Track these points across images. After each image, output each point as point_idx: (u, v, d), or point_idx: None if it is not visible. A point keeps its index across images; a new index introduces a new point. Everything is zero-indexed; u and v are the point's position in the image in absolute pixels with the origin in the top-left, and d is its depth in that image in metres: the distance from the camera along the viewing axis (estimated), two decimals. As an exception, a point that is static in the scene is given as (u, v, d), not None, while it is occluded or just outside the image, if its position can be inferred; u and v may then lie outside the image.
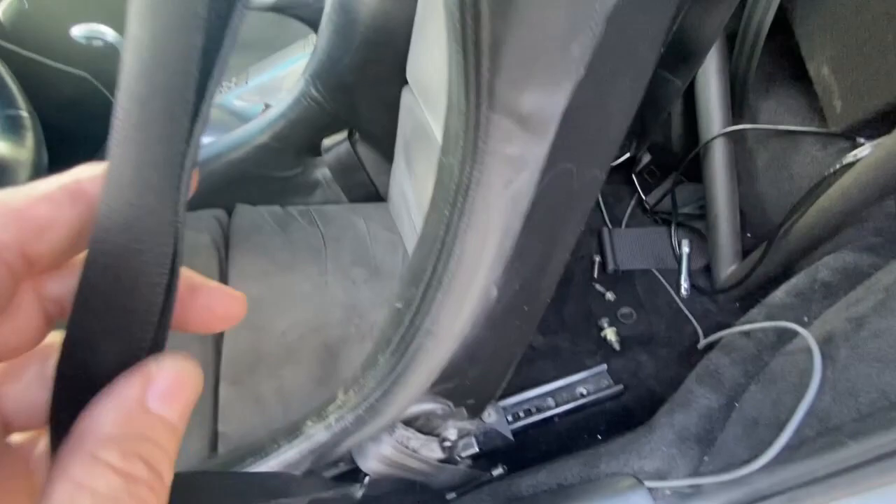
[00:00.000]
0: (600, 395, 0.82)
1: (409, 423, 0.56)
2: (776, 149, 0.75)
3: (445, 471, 0.61)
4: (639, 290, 0.95)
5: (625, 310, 0.93)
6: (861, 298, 0.50)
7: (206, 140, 1.01)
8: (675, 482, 0.53)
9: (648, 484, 0.54)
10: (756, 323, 0.59)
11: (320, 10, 0.80)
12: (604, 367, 0.85)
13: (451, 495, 0.67)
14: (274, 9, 0.83)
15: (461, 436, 0.64)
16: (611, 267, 0.97)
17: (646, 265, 0.97)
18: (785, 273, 0.72)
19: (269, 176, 0.92)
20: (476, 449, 0.64)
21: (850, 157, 0.61)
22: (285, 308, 0.80)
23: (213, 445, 0.67)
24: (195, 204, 0.92)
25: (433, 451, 0.58)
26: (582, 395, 0.82)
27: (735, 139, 0.82)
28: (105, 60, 0.81)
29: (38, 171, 0.59)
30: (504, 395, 0.85)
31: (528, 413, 0.82)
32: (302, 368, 0.76)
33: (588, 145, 0.35)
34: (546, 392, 0.83)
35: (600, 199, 1.07)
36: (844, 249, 0.64)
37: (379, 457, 0.56)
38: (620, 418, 0.79)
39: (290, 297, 0.81)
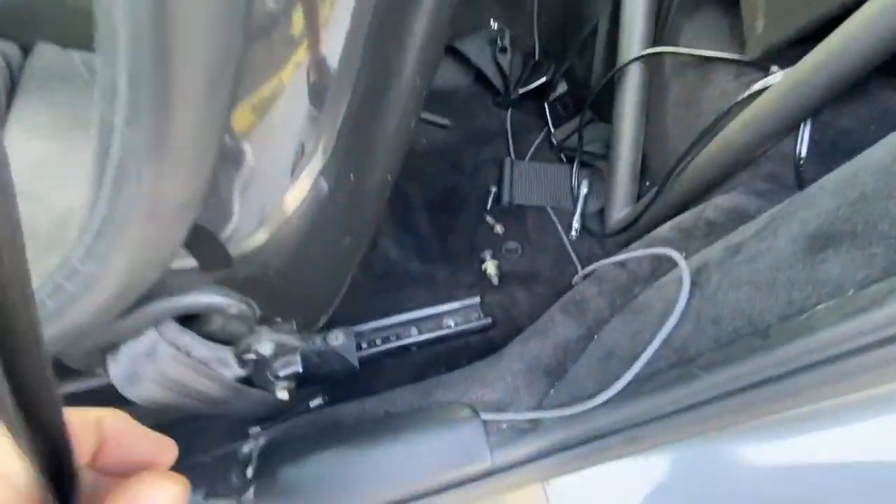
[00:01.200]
0: (467, 327, 0.74)
1: (194, 322, 0.43)
2: (689, 81, 0.69)
3: (244, 396, 0.49)
4: (529, 227, 0.87)
5: (511, 244, 0.85)
6: (742, 230, 0.45)
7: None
8: (512, 415, 0.46)
9: (485, 416, 0.46)
10: (631, 252, 0.53)
11: None
12: (476, 299, 0.77)
13: (254, 429, 0.55)
14: None
15: (280, 352, 0.52)
16: (505, 199, 0.89)
17: (541, 202, 0.89)
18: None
19: (82, 7, 0.69)
20: (299, 369, 0.52)
21: (757, 86, 0.55)
22: (71, 180, 0.60)
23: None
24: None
25: (227, 366, 0.45)
26: (448, 327, 0.74)
27: (652, 69, 0.75)
28: None
29: None
30: (363, 320, 0.75)
31: (386, 340, 0.72)
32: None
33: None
34: (410, 320, 0.74)
35: (508, 128, 0.97)
36: (734, 191, 0.59)
37: (150, 375, 0.41)
38: (483, 353, 0.72)
39: (80, 167, 0.61)
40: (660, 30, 0.73)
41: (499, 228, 0.86)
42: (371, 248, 0.84)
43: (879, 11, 0.43)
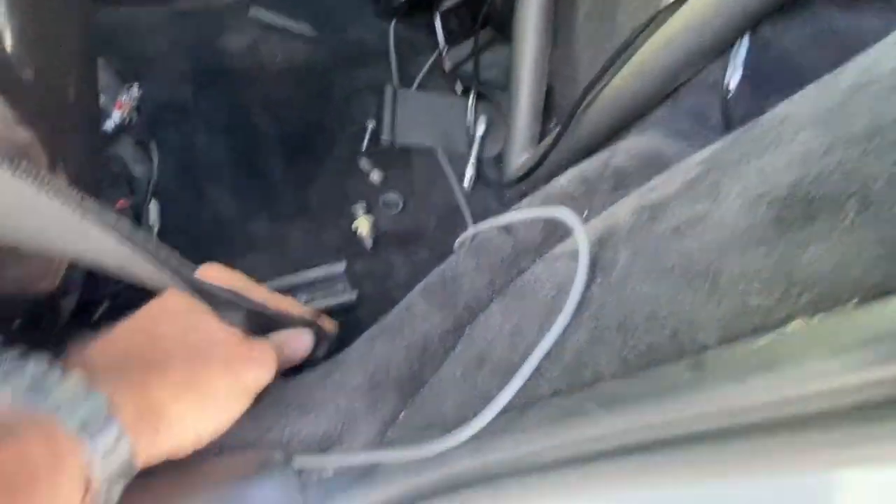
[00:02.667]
0: (326, 304, 0.57)
1: None
2: (605, -14, 0.54)
3: None
4: (414, 174, 0.71)
5: (390, 196, 0.68)
6: (662, 184, 0.32)
7: None
8: (343, 457, 0.31)
9: (300, 461, 0.31)
10: (517, 212, 0.38)
11: None
12: (342, 266, 0.60)
13: None
14: None
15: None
16: (385, 139, 0.71)
17: (430, 142, 0.72)
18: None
19: None
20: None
21: (690, -15, 0.41)
22: None
23: None
24: None
25: None
26: (309, 301, 0.57)
27: (561, -31, 0.59)
28: None
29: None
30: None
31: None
32: None
33: None
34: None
35: (392, 48, 0.77)
36: (650, 131, 0.47)
37: None
38: (346, 340, 0.57)
39: None
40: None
41: (375, 176, 0.68)
42: (197, 202, 0.62)
43: None
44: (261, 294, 0.35)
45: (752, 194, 0.21)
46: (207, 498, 0.30)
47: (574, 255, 0.31)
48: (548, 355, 0.26)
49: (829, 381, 0.16)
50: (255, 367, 0.30)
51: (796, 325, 0.17)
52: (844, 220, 0.16)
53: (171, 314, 0.30)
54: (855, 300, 0.15)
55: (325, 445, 0.32)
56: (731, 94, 0.43)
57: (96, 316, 0.54)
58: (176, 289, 0.30)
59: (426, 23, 0.77)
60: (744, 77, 0.42)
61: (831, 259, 0.16)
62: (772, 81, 0.42)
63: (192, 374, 0.27)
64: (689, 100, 0.47)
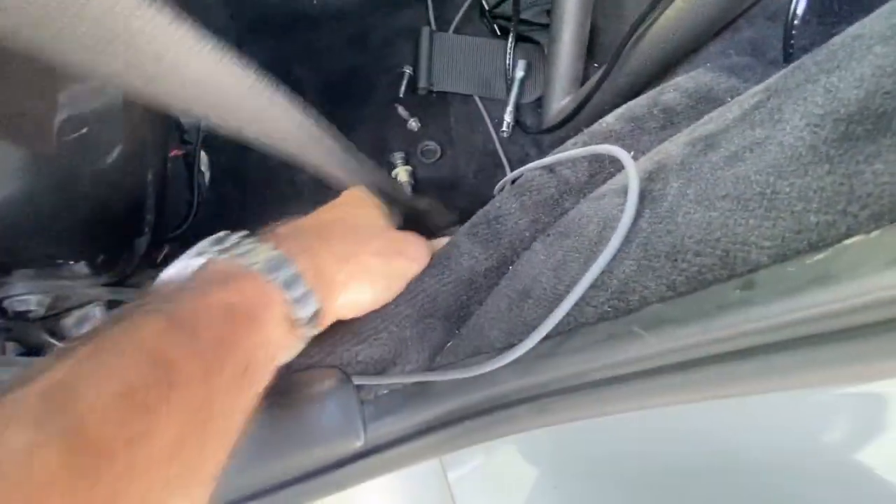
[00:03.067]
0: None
1: None
2: None
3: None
4: (452, 121, 0.70)
5: (429, 144, 0.68)
6: (717, 116, 0.31)
7: None
8: (396, 378, 0.34)
9: (359, 380, 0.34)
10: (562, 153, 0.38)
11: None
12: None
13: None
14: None
15: (68, 304, 0.36)
16: (423, 85, 0.70)
17: (468, 89, 0.72)
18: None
19: None
20: (100, 324, 0.37)
21: None
22: None
23: None
24: None
25: None
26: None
27: None
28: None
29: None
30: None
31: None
32: None
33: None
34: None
35: (428, -13, 0.75)
36: (702, 68, 0.45)
37: None
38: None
39: None
40: None
41: (413, 124, 0.69)
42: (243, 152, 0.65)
43: None
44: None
45: (817, 114, 0.20)
46: (277, 412, 0.34)
47: (621, 192, 0.31)
48: (593, 285, 0.27)
49: (885, 293, 0.16)
50: (404, 258, 0.36)
51: (856, 240, 0.17)
52: None
53: (348, 206, 0.37)
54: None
55: (380, 368, 0.35)
56: (796, 23, 0.40)
57: (159, 258, 0.58)
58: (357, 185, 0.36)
59: (464, -40, 0.74)
60: (810, 4, 0.39)
61: (889, 174, 0.16)
62: (842, 7, 0.39)
63: (351, 251, 0.33)
64: (748, 32, 0.44)
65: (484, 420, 0.32)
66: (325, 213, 0.36)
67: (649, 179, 0.30)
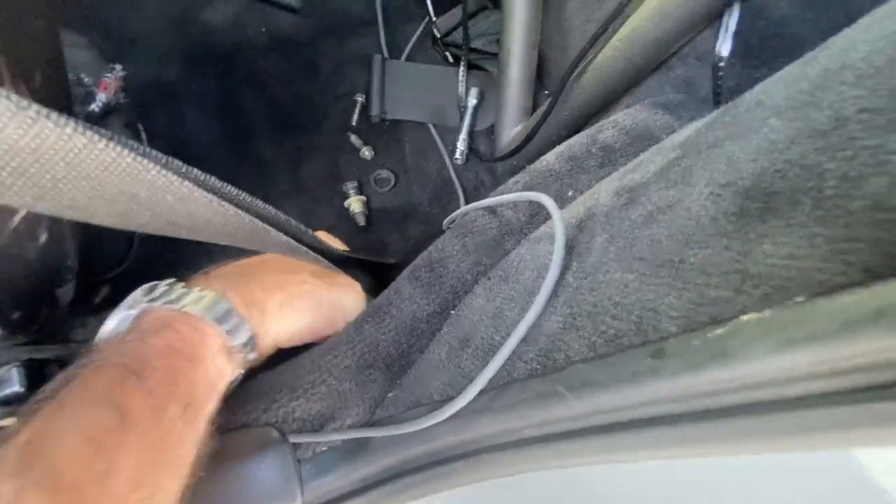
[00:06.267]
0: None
1: None
2: (595, -53, 0.52)
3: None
4: (406, 149, 0.70)
5: (383, 173, 0.68)
6: (643, 164, 0.32)
7: None
8: (335, 435, 0.33)
9: (295, 438, 0.33)
10: (501, 196, 0.39)
11: None
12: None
13: None
14: None
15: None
16: (375, 113, 0.70)
17: (421, 117, 0.71)
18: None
19: None
20: (16, 388, 0.35)
21: (681, -52, 0.39)
22: None
23: None
24: None
25: None
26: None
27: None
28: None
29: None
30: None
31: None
32: None
33: None
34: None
35: (379, 17, 0.75)
36: (639, 105, 0.46)
37: None
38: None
39: None
40: None
41: (366, 152, 0.68)
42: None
43: None
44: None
45: (718, 182, 0.21)
46: (212, 475, 0.32)
47: (552, 241, 0.31)
48: (524, 339, 0.27)
49: (776, 374, 0.16)
50: (336, 287, 0.37)
51: (750, 317, 0.17)
52: (799, 217, 0.17)
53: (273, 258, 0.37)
54: (802, 297, 0.16)
55: (318, 424, 0.33)
56: (721, 65, 0.42)
57: (98, 299, 0.55)
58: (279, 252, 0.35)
59: (414, -10, 0.74)
60: (735, 47, 0.41)
61: (784, 255, 0.17)
62: (764, 51, 0.41)
63: (280, 280, 0.35)
64: (680, 70, 0.46)
65: (422, 475, 0.31)
66: (254, 259, 0.37)
67: (578, 228, 0.31)
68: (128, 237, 0.57)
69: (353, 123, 0.69)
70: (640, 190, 0.28)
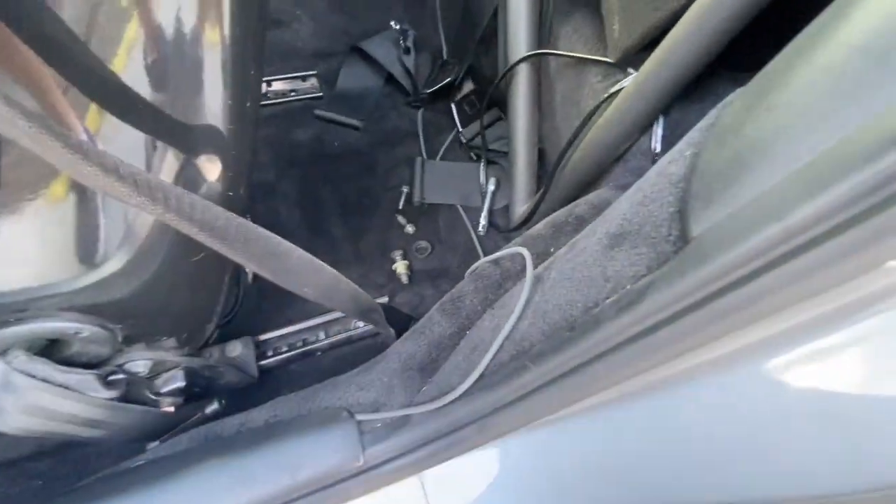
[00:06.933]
0: (367, 331, 0.75)
1: (54, 347, 0.42)
2: (570, 80, 0.72)
3: (123, 414, 0.48)
4: (440, 225, 0.90)
5: (422, 243, 0.87)
6: (589, 227, 0.48)
7: None
8: (386, 414, 0.48)
9: (360, 417, 0.48)
10: (500, 252, 0.55)
11: None
12: (385, 299, 0.79)
13: (152, 444, 0.55)
14: None
15: (161, 369, 0.52)
16: (417, 199, 0.90)
17: (452, 200, 0.92)
18: (563, 212, 0.70)
19: None
20: (179, 384, 0.53)
21: (616, 87, 0.59)
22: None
23: None
24: None
25: (94, 389, 0.44)
26: (356, 328, 0.75)
27: (538, 68, 0.78)
28: None
29: None
30: (272, 329, 0.75)
31: (292, 347, 0.73)
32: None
33: None
34: (318, 324, 0.75)
35: (419, 128, 0.99)
36: (605, 187, 0.63)
37: (15, 405, 0.41)
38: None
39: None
40: (543, 33, 0.76)
41: (410, 228, 0.88)
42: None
43: (704, 10, 0.46)
44: None
45: (601, 232, 0.37)
46: (301, 440, 0.47)
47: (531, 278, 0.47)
48: (508, 337, 0.43)
49: (620, 326, 0.31)
50: None
51: (608, 301, 0.33)
52: (625, 245, 0.32)
53: None
54: (626, 286, 0.31)
55: (374, 408, 0.49)
56: (656, 157, 0.58)
57: (211, 340, 0.74)
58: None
59: (445, 109, 0.99)
60: (664, 145, 0.58)
61: (619, 265, 0.32)
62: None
63: None
64: (632, 162, 0.63)
65: (447, 440, 0.45)
66: None
67: (546, 268, 0.47)
68: (236, 295, 0.77)
69: (400, 207, 0.90)
70: (577, 241, 0.44)
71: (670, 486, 0.38)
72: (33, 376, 0.41)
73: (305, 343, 0.73)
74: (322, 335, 0.74)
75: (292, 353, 0.71)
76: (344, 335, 0.74)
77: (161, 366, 0.52)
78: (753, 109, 0.31)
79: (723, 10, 0.44)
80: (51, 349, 0.43)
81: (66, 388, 0.43)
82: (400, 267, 0.83)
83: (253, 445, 0.48)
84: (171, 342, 0.53)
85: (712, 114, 0.35)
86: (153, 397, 0.52)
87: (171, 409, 0.53)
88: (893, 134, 0.21)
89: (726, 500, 0.35)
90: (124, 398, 0.49)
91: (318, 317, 0.75)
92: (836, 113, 0.24)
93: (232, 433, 0.51)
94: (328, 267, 0.44)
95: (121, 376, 0.46)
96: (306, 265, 0.41)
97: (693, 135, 0.35)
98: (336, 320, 0.76)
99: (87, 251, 0.39)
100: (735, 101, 0.34)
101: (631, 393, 0.36)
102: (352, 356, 0.74)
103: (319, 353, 0.73)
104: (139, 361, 0.49)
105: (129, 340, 0.47)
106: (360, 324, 0.76)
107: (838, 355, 0.27)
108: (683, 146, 0.35)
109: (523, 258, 0.54)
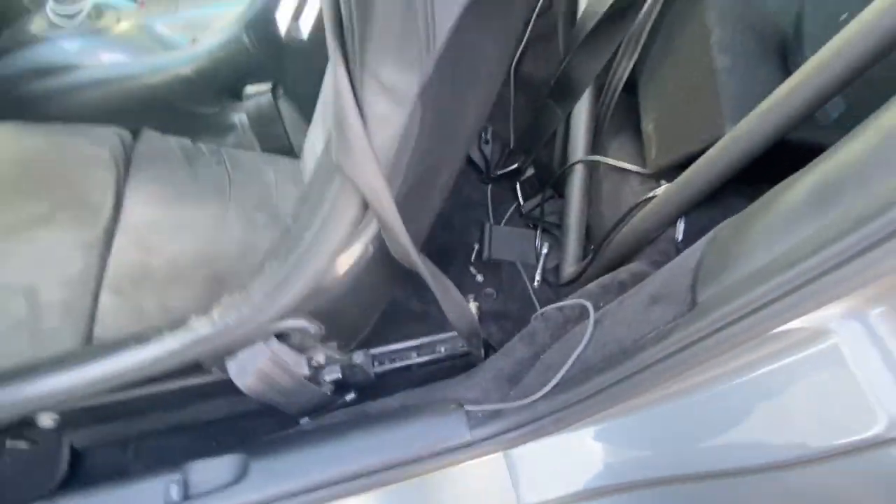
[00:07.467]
0: (453, 352, 0.98)
1: (284, 338, 0.66)
2: (615, 180, 0.98)
3: (307, 391, 0.72)
4: (503, 277, 1.14)
5: (489, 290, 1.11)
6: (631, 290, 0.71)
7: (122, 59, 0.99)
8: (485, 406, 0.70)
9: (468, 407, 0.70)
10: (566, 301, 0.79)
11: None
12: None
13: (304, 420, 0.78)
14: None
15: (329, 362, 0.75)
16: (486, 255, 1.15)
17: (512, 258, 1.16)
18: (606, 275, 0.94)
19: (183, 109, 0.95)
20: (339, 375, 0.76)
21: (650, 194, 0.83)
22: (180, 235, 0.84)
23: (88, 343, 0.70)
24: (98, 120, 0.91)
25: (301, 368, 0.68)
26: (440, 352, 0.98)
27: (590, 167, 1.04)
28: None
29: None
30: (378, 345, 0.98)
31: (392, 360, 0.95)
32: (189, 292, 0.81)
33: (446, 128, 0.49)
34: (411, 346, 0.97)
35: (489, 199, 1.25)
36: (639, 261, 0.87)
37: (255, 370, 0.65)
38: (465, 371, 0.96)
39: (188, 226, 0.85)
40: (597, 142, 1.03)
41: (479, 277, 1.12)
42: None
43: (721, 151, 0.71)
44: None
45: (643, 294, 0.60)
46: (427, 420, 0.69)
47: (589, 323, 0.70)
48: (576, 360, 0.65)
49: (654, 353, 0.54)
50: None
51: (648, 336, 0.56)
52: (660, 304, 0.56)
53: None
54: (657, 330, 0.55)
55: (477, 402, 0.71)
56: (679, 246, 0.82)
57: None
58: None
59: (511, 186, 1.25)
60: (685, 236, 0.82)
61: (657, 316, 0.56)
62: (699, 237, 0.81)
63: None
64: (661, 245, 0.87)
65: (531, 427, 0.66)
66: None
67: (602, 316, 0.69)
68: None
69: (472, 260, 1.15)
70: (624, 300, 0.67)
71: (700, 451, 0.58)
72: (273, 353, 0.65)
73: (403, 359, 0.96)
74: (414, 354, 0.97)
75: (395, 365, 0.94)
76: (431, 357, 0.97)
77: (330, 360, 0.75)
78: (739, 230, 0.55)
79: (736, 152, 0.69)
80: (282, 336, 0.67)
81: (286, 364, 0.67)
82: (472, 308, 1.06)
83: (392, 422, 0.70)
84: (334, 344, 0.76)
85: (715, 230, 0.59)
86: (321, 381, 0.75)
87: (329, 391, 0.76)
88: (811, 251, 0.44)
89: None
90: (307, 378, 0.72)
91: (412, 339, 0.98)
92: (786, 234, 0.47)
93: (376, 412, 0.73)
94: (464, 300, 0.68)
95: (315, 363, 0.70)
96: (457, 296, 0.65)
97: (701, 242, 0.59)
98: (425, 345, 0.99)
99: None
100: (729, 223, 0.58)
101: (660, 397, 0.58)
102: (437, 372, 0.96)
103: (415, 368, 0.96)
104: (322, 354, 0.73)
105: (322, 339, 0.71)
106: (443, 349, 0.99)
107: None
108: (696, 247, 0.59)
109: (582, 306, 0.78)
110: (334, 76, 0.34)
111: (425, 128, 0.40)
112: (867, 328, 0.42)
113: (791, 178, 0.49)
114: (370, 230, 0.64)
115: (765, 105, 0.63)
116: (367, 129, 0.36)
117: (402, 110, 0.36)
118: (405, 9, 0.29)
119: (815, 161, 0.47)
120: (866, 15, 0.51)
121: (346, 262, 0.64)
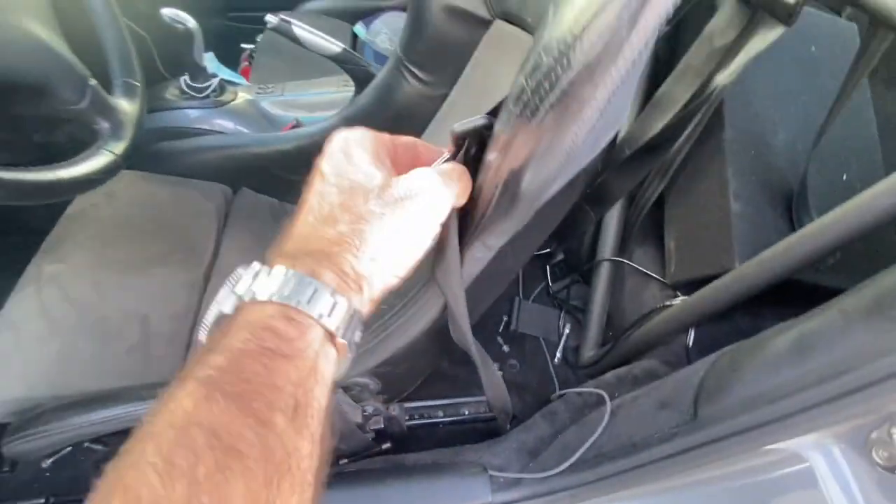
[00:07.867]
0: (477, 416, 1.09)
1: (346, 389, 0.79)
2: (636, 282, 1.11)
3: (355, 437, 0.84)
4: (527, 349, 1.25)
5: (512, 361, 1.22)
6: (645, 388, 0.83)
7: (231, 127, 1.19)
8: (508, 474, 0.80)
9: (492, 472, 0.81)
10: (586, 388, 0.90)
11: (368, 73, 1.05)
12: (485, 397, 1.12)
13: (343, 461, 0.89)
14: (334, 59, 1.06)
15: (374, 413, 0.88)
16: (513, 327, 1.28)
17: (537, 333, 1.28)
18: (622, 365, 1.05)
19: (279, 175, 1.13)
20: (381, 425, 0.88)
21: (668, 302, 0.96)
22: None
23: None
24: (209, 177, 1.09)
25: (356, 416, 0.81)
26: (464, 414, 1.09)
27: (616, 266, 1.18)
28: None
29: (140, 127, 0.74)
30: (408, 400, 1.09)
31: (422, 416, 1.06)
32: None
33: (522, 252, 0.64)
34: (439, 405, 1.08)
35: (520, 275, 1.39)
36: (653, 358, 0.98)
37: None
38: (487, 435, 1.06)
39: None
40: (624, 244, 1.17)
41: (505, 348, 1.24)
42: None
43: (732, 280, 0.84)
44: None
45: (653, 399, 0.72)
46: (454, 480, 0.80)
47: (604, 412, 0.81)
48: (591, 445, 0.76)
49: (661, 451, 0.65)
50: (411, 201, 0.34)
51: (654, 436, 0.67)
52: (666, 410, 0.67)
53: (333, 164, 0.36)
54: (660, 433, 0.66)
55: (500, 469, 0.81)
56: (689, 351, 0.94)
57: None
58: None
59: (540, 267, 1.39)
60: (694, 344, 0.94)
61: (663, 420, 0.67)
62: (707, 351, 0.92)
63: (357, 231, 0.32)
64: (674, 347, 0.98)
65: (547, 499, 0.76)
66: (313, 192, 0.35)
67: (617, 407, 0.81)
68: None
69: (500, 330, 1.27)
70: (638, 397, 0.78)
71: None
72: (336, 401, 0.77)
73: (431, 416, 1.07)
74: (441, 413, 1.08)
75: (424, 421, 1.05)
76: (456, 417, 1.08)
77: (375, 411, 0.87)
78: (735, 361, 0.67)
79: (743, 286, 0.81)
80: (346, 388, 0.80)
81: (345, 413, 0.79)
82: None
83: (424, 475, 0.81)
84: (381, 398, 0.89)
85: (716, 355, 0.71)
86: (366, 429, 0.87)
87: (370, 438, 0.88)
88: (788, 392, 0.55)
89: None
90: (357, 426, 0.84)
91: (440, 399, 1.09)
92: (772, 374, 0.59)
93: (411, 464, 0.84)
94: (503, 383, 0.80)
95: (366, 413, 0.82)
96: (498, 379, 0.77)
97: (705, 362, 0.71)
98: (452, 405, 1.10)
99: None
100: (728, 352, 0.71)
101: (662, 488, 0.68)
102: (460, 433, 1.07)
103: (440, 426, 1.07)
104: (370, 406, 0.85)
105: (377, 393, 0.84)
106: (467, 411, 1.10)
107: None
108: (700, 366, 0.71)
109: (599, 395, 0.89)
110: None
111: (508, 256, 0.54)
112: (831, 460, 0.53)
113: (778, 327, 0.62)
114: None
115: (772, 251, 0.77)
116: (462, 262, 0.51)
117: (491, 254, 0.51)
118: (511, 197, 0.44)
119: (798, 319, 0.59)
120: (866, 195, 0.64)
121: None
